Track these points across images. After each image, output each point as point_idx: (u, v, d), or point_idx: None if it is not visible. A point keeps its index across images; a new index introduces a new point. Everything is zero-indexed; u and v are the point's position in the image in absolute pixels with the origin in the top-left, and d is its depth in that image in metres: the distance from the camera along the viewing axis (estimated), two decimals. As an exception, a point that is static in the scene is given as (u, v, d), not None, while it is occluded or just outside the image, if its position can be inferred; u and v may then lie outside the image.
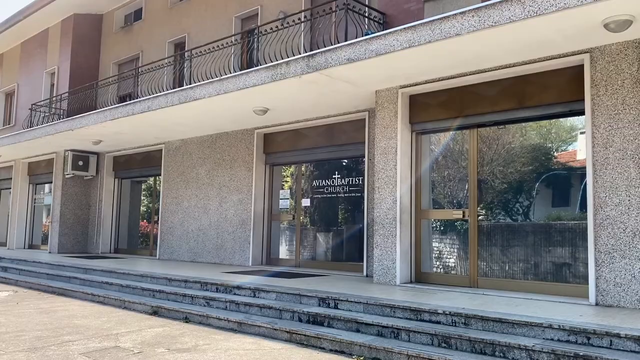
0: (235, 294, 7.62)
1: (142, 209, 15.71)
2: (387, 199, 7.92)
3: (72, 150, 15.16)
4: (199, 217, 12.35)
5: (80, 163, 15.37)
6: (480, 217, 7.46)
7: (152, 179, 14.92)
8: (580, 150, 6.74)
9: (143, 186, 15.81)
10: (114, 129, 12.08)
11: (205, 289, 8.10)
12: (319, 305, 6.56)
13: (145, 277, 9.26)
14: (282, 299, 7.01)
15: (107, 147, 14.84)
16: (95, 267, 10.60)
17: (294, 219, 10.87)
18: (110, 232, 15.53)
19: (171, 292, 8.12)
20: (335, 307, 6.38)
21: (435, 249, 8.15)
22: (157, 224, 13.72)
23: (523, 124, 7.31)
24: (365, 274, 9.10)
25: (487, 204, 7.54)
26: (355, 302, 6.22)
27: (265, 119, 10.53)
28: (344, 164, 10.48)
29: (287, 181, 11.57)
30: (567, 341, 4.66)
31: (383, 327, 5.54)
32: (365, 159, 9.33)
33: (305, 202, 10.75)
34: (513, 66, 6.91)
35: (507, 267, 7.27)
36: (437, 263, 8.10)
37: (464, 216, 7.51)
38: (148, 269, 10.33)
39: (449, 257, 8.02)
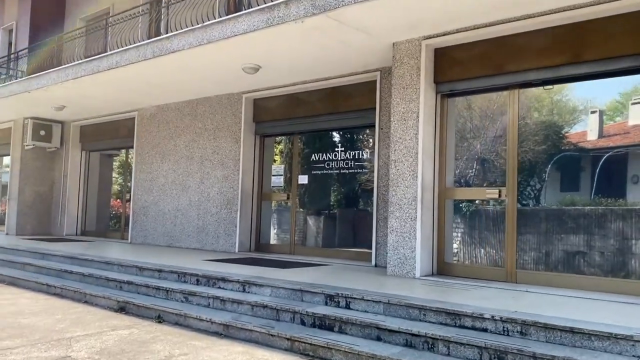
0: (220, 287, 6.53)
1: (116, 187, 14.52)
2: (406, 175, 6.84)
3: (32, 118, 13.84)
4: (177, 195, 11.20)
5: (42, 133, 14.07)
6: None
7: (124, 151, 13.70)
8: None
9: (116, 160, 14.58)
10: (78, 91, 10.81)
11: (184, 280, 7.00)
12: (326, 304, 5.49)
13: (112, 265, 8.13)
14: (279, 295, 5.93)
15: (73, 115, 13.55)
16: (54, 252, 9.43)
17: (288, 198, 9.77)
18: (77, 212, 14.31)
19: (142, 283, 7.02)
20: (347, 307, 5.32)
21: (460, 235, 7.11)
22: (130, 203, 12.55)
23: (578, 82, 6.23)
24: (374, 263, 8.06)
25: (527, 184, 6.50)
26: (373, 300, 5.16)
27: (255, 81, 9.36)
28: (350, 134, 9.38)
29: (280, 155, 10.46)
30: (671, 361, 3.65)
31: (413, 335, 4.49)
32: (376, 128, 8.22)
33: (302, 179, 9.64)
34: (569, 9, 5.81)
35: (552, 259, 6.26)
36: (464, 252, 7.08)
37: (500, 196, 6.46)
38: (116, 255, 9.19)
39: (477, 245, 6.99)
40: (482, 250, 6.93)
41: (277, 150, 10.56)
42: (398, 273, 6.80)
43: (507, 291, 5.76)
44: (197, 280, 6.83)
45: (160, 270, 7.36)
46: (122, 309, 6.56)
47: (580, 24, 5.89)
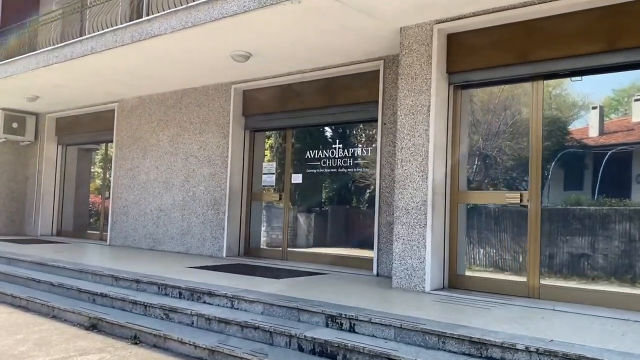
0: (205, 302, 5.86)
1: (97, 181, 13.76)
2: (414, 176, 6.20)
3: (3, 109, 13.01)
4: (160, 194, 10.49)
5: (15, 125, 13.26)
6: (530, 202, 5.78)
7: (103, 146, 12.95)
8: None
9: (97, 153, 13.79)
10: (52, 80, 10.05)
11: (164, 293, 6.33)
12: (327, 325, 4.85)
13: (85, 273, 7.43)
14: (272, 314, 5.28)
15: (48, 106, 12.76)
16: (22, 257, 8.69)
17: (280, 199, 9.10)
18: (53, 210, 13.52)
19: (117, 296, 6.33)
20: (352, 331, 4.68)
21: (473, 242, 6.50)
22: (109, 201, 11.82)
23: (612, 73, 5.60)
24: (375, 272, 7.42)
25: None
26: (382, 324, 4.52)
27: (246, 70, 8.66)
28: (349, 130, 8.73)
29: (272, 151, 9.80)
30: None
31: (432, 369, 3.86)
32: (379, 123, 7.57)
33: (296, 178, 8.98)
34: (605, -10, 5.19)
35: (580, 272, 5.66)
36: (477, 263, 6.47)
37: (521, 201, 5.83)
38: (91, 261, 8.52)
39: (493, 254, 6.39)
40: (499, 261, 6.32)
41: (269, 147, 9.89)
42: (405, 286, 6.16)
43: (532, 310, 5.14)
44: (180, 294, 6.15)
45: (138, 281, 6.67)
46: (94, 326, 5.88)
47: (616, 6, 5.27)
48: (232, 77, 9.21)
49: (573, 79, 5.82)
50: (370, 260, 7.61)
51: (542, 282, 5.68)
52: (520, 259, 6.05)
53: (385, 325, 4.49)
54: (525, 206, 5.81)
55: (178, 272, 7.32)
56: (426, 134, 6.15)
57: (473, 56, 6.17)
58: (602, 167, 5.88)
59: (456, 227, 6.29)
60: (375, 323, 4.56)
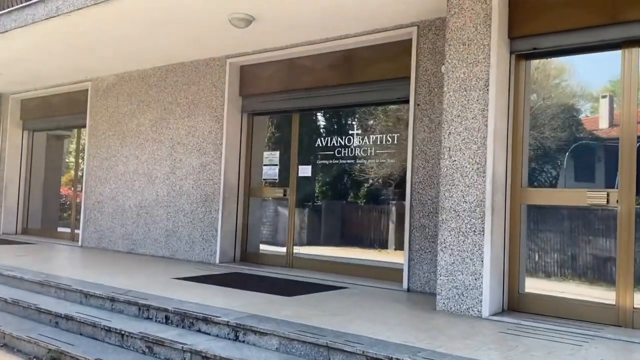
0: (200, 331, 4.66)
1: (72, 173, 12.44)
2: (467, 169, 5.03)
3: (-41, 89, 11.70)
4: (141, 188, 9.23)
5: (-27, 108, 12.00)
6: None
7: (76, 132, 11.65)
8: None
9: (72, 142, 12.47)
10: (13, 53, 8.75)
11: (146, 316, 5.11)
12: (370, 372, 3.66)
13: (48, 287, 6.19)
14: (291, 351, 4.08)
15: (10, 85, 11.43)
16: (-27, 264, 7.41)
17: (285, 195, 7.90)
18: (17, 205, 12.22)
19: (87, 320, 5.11)
20: (407, 382, 3.50)
21: (534, 253, 5.37)
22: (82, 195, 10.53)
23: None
24: (405, 286, 6.27)
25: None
26: (452, 374, 3.35)
27: (244, 41, 7.45)
28: (371, 112, 7.55)
29: (274, 139, 8.59)
30: None
31: None
32: (410, 104, 6.40)
33: (304, 170, 7.79)
34: None
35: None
36: (539, 277, 5.33)
37: (608, 202, 4.68)
38: (57, 268, 7.29)
39: (559, 266, 5.26)
40: (569, 275, 5.18)
41: (271, 133, 8.68)
42: (454, 309, 5.00)
43: (638, 347, 4.01)
44: (167, 318, 4.94)
45: (113, 299, 5.44)
46: (55, 361, 4.66)
47: None
48: (228, 48, 7.97)
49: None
50: (398, 270, 6.46)
51: (637, 305, 4.54)
52: (600, 275, 4.93)
53: (457, 376, 3.33)
54: (614, 208, 4.66)
55: (163, 284, 6.13)
56: (483, 116, 4.98)
57: (543, 16, 4.99)
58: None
59: (518, 234, 5.14)
60: (441, 373, 3.39)
